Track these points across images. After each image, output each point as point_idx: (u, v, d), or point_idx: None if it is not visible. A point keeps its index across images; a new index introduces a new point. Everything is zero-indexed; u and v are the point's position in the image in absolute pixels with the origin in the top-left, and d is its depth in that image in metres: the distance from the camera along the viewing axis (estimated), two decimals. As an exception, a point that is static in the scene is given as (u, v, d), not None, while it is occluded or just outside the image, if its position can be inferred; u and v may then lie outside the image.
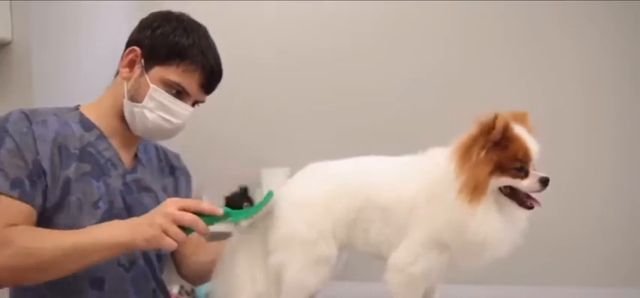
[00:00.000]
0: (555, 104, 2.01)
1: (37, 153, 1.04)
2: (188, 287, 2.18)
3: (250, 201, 2.23)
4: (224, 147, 2.35)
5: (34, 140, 1.05)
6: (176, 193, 1.28)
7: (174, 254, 1.28)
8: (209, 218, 0.98)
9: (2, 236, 0.98)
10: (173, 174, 1.31)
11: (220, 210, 0.99)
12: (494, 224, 0.89)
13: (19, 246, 0.97)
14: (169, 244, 0.95)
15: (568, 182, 1.94)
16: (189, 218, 0.96)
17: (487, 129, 0.88)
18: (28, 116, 1.07)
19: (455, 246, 0.92)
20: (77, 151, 1.09)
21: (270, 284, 0.99)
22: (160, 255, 1.21)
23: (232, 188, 2.27)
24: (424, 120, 2.08)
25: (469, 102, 2.04)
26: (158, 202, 1.16)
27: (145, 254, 1.17)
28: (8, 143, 1.03)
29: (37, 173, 1.04)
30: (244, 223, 1.02)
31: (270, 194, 0.98)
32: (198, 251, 1.26)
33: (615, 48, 2.00)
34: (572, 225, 1.99)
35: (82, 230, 1.02)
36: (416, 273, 0.93)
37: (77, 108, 1.18)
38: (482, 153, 0.88)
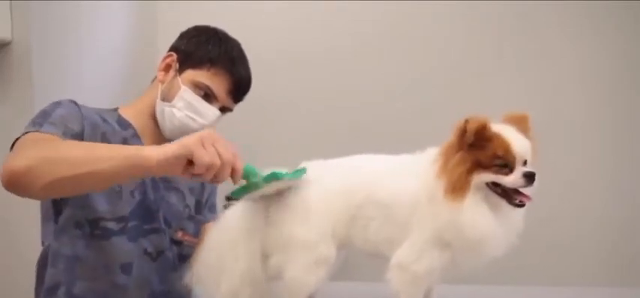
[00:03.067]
0: (554, 104, 2.01)
1: (83, 129, 1.11)
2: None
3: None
4: (224, 147, 2.35)
5: (83, 118, 1.13)
6: (201, 195, 1.34)
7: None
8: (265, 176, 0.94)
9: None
10: None
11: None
12: (487, 220, 0.91)
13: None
14: (204, 159, 0.90)
15: (567, 182, 1.95)
16: (230, 153, 0.94)
17: (461, 133, 0.91)
18: (77, 103, 1.17)
19: (455, 244, 0.92)
20: (118, 143, 1.17)
21: (254, 263, 0.99)
22: (182, 256, 1.26)
23: (232, 188, 2.27)
24: (424, 119, 2.08)
25: (468, 102, 2.04)
26: (185, 203, 1.28)
27: (175, 249, 1.23)
28: (60, 110, 1.11)
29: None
30: (267, 189, 0.97)
31: (303, 170, 0.98)
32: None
33: (614, 48, 2.00)
34: (570, 225, 2.00)
35: (108, 145, 1.06)
36: (420, 272, 0.94)
37: (116, 109, 1.28)
38: (458, 155, 0.91)
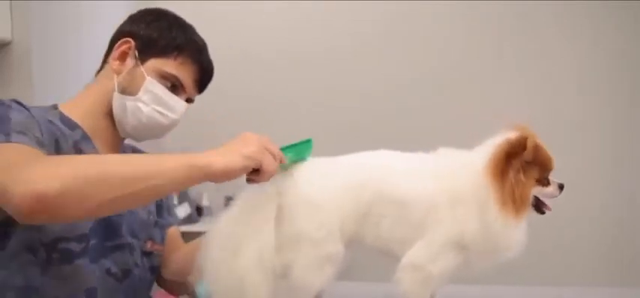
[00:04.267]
0: (553, 104, 2.02)
1: (42, 134, 0.96)
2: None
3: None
4: (224, 147, 2.35)
5: (38, 124, 0.97)
6: (161, 200, 1.22)
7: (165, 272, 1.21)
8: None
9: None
10: None
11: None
12: (523, 232, 0.93)
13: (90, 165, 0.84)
14: (274, 168, 0.89)
15: (566, 182, 1.95)
16: (278, 152, 0.91)
17: (519, 149, 0.91)
18: (22, 103, 0.99)
19: (475, 249, 0.93)
20: (72, 150, 1.02)
21: (265, 252, 0.97)
22: (153, 267, 1.15)
23: (233, 188, 2.27)
24: (424, 119, 2.09)
25: (468, 101, 2.05)
26: (147, 209, 1.14)
27: (139, 266, 1.10)
28: (16, 115, 0.94)
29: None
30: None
31: (310, 143, 0.98)
32: (176, 250, 1.21)
33: (613, 49, 2.00)
34: (570, 226, 2.00)
35: (149, 155, 0.98)
36: (434, 272, 0.94)
37: (56, 106, 1.10)
38: (522, 174, 0.91)
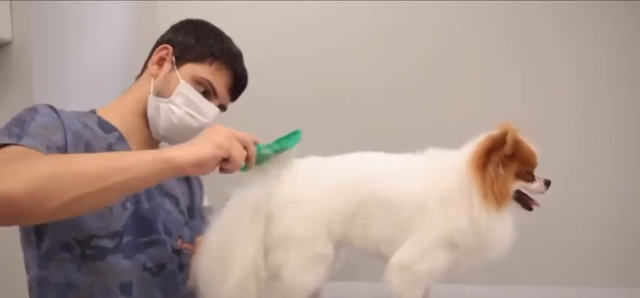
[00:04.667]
0: (550, 104, 2.02)
1: (66, 139, 0.98)
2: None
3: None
4: (224, 147, 2.35)
5: (64, 128, 1.00)
6: (192, 201, 1.26)
7: None
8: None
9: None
10: (187, 181, 1.29)
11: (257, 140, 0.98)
12: (509, 226, 0.94)
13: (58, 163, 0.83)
14: (236, 156, 0.91)
15: (564, 182, 1.95)
16: (249, 138, 0.94)
17: (499, 143, 0.93)
18: (55, 109, 1.04)
19: (466, 247, 0.93)
20: (104, 150, 1.06)
21: (259, 258, 0.98)
22: (182, 265, 1.17)
23: (232, 187, 2.28)
24: (425, 119, 2.09)
25: (467, 102, 2.05)
26: (179, 208, 1.18)
27: (175, 260, 1.14)
28: (39, 119, 0.97)
29: None
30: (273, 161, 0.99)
31: (299, 135, 1.01)
32: None
33: (610, 49, 2.01)
34: (569, 225, 2.00)
35: (119, 152, 0.99)
36: (421, 272, 0.94)
37: (94, 111, 1.15)
38: (501, 167, 0.93)
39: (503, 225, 0.93)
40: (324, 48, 2.26)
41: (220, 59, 1.16)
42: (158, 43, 1.20)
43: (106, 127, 1.11)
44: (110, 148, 1.07)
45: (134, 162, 0.84)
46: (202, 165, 0.88)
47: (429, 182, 0.95)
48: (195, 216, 1.26)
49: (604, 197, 1.99)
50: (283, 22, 2.33)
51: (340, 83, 2.25)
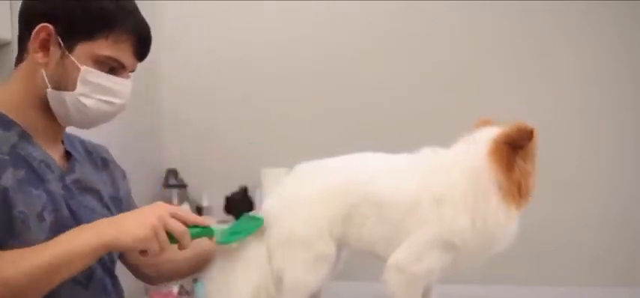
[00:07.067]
0: (551, 104, 2.02)
1: None
2: (188, 286, 2.18)
3: (250, 203, 2.23)
4: (224, 147, 2.35)
5: None
6: (115, 188, 1.12)
7: (133, 256, 1.12)
8: (196, 231, 0.93)
9: None
10: (107, 168, 1.14)
11: (211, 223, 0.95)
12: (516, 224, 0.94)
13: None
14: (155, 249, 0.88)
15: (564, 183, 1.95)
16: (181, 229, 0.89)
17: (526, 139, 0.90)
18: None
19: (465, 247, 0.92)
20: (7, 156, 0.91)
21: (266, 276, 0.99)
22: (113, 260, 1.08)
23: (232, 188, 2.28)
24: (425, 120, 2.09)
25: (469, 101, 2.05)
26: (103, 202, 1.06)
27: (102, 264, 1.03)
28: None
29: None
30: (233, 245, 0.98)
31: (260, 222, 0.97)
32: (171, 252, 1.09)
33: (612, 49, 2.00)
34: (569, 226, 2.00)
35: (56, 240, 0.87)
36: (418, 273, 0.94)
37: None
38: (528, 163, 0.91)
39: (515, 223, 0.93)
40: (325, 51, 2.26)
41: (116, 26, 0.94)
42: (29, 18, 0.95)
43: (6, 123, 0.95)
44: (13, 149, 0.93)
45: (77, 254, 0.86)
46: (143, 245, 0.89)
47: (425, 181, 0.95)
48: (122, 206, 1.12)
49: (604, 197, 1.99)
50: (283, 22, 2.32)
51: (340, 83, 2.25)
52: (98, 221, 0.90)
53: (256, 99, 2.36)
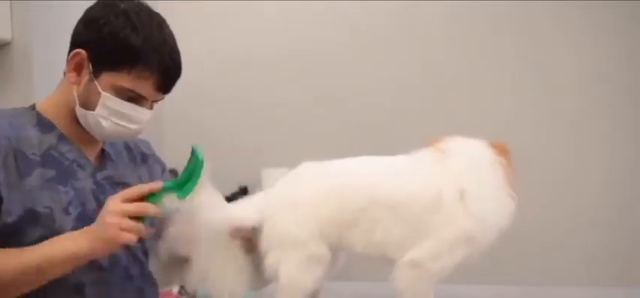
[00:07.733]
0: (549, 104, 2.02)
1: None
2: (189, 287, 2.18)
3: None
4: (224, 147, 2.35)
5: None
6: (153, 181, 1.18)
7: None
8: (154, 197, 0.97)
9: None
10: (146, 162, 1.25)
11: (159, 184, 0.99)
12: None
13: None
14: (129, 239, 0.95)
15: (563, 182, 1.95)
16: (135, 207, 0.95)
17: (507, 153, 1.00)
18: None
19: (481, 241, 0.94)
20: (37, 157, 1.03)
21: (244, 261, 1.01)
22: (145, 251, 1.16)
23: (232, 188, 2.28)
24: (425, 120, 2.09)
25: (469, 101, 2.05)
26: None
27: (130, 253, 1.11)
28: None
29: None
30: (188, 199, 0.99)
31: (199, 154, 0.99)
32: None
33: (609, 48, 2.00)
34: (568, 225, 2.00)
35: (37, 246, 0.96)
36: (434, 269, 0.95)
37: (33, 107, 1.11)
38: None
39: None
40: (325, 51, 2.26)
41: (139, 63, 1.01)
42: (73, 42, 1.08)
43: (46, 127, 1.07)
44: (48, 151, 1.04)
45: (49, 267, 0.95)
46: (116, 244, 0.98)
47: (439, 179, 0.95)
48: None
49: (603, 197, 1.99)
50: (283, 22, 2.33)
51: (340, 83, 2.25)
52: (79, 231, 0.98)
53: (256, 99, 2.36)
